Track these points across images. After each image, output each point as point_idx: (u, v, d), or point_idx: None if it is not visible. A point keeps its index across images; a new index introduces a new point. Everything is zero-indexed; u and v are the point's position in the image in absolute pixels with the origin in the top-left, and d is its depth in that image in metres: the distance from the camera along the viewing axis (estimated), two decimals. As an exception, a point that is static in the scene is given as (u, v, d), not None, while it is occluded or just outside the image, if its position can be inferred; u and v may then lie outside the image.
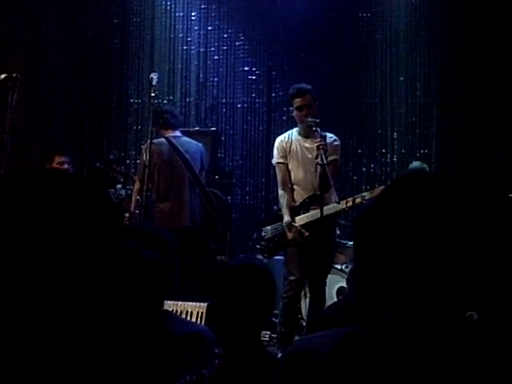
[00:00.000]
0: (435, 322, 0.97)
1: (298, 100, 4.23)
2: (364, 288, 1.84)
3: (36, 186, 0.90)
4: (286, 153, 4.34)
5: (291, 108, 4.35)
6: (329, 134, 4.30)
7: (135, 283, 1.80)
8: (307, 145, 4.29)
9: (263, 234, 4.45)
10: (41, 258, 0.86)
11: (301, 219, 4.26)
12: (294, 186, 4.35)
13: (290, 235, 4.23)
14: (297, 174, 4.33)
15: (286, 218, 4.25)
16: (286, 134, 4.44)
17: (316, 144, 3.99)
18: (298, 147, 4.32)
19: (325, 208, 3.97)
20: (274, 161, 4.43)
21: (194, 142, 4.90)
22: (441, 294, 0.98)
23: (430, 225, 0.98)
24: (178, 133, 4.85)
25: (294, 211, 4.29)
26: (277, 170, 4.41)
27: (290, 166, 4.34)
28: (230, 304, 1.70)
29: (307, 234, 4.17)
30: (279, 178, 4.39)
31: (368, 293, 1.75)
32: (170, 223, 4.51)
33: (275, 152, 4.42)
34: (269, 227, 4.44)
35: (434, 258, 0.97)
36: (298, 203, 4.31)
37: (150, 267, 1.82)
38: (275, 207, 4.68)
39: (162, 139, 4.73)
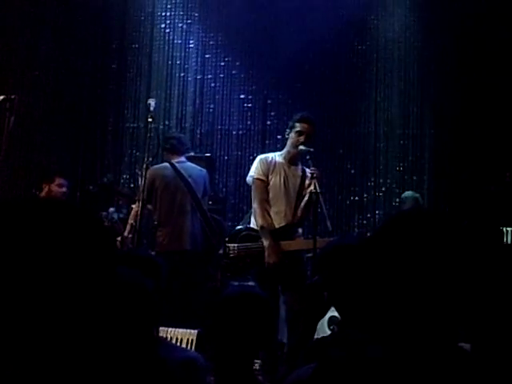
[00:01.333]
0: (411, 350, 1.03)
1: (301, 125, 4.11)
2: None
3: (29, 215, 0.91)
4: (268, 171, 4.17)
5: (288, 130, 4.19)
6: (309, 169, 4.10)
7: (128, 309, 1.80)
8: (291, 171, 4.20)
9: (229, 251, 4.12)
10: (33, 285, 0.87)
11: (288, 245, 4.03)
12: (267, 207, 4.13)
13: (272, 258, 3.96)
14: (276, 194, 4.14)
15: (269, 241, 3.99)
16: (269, 154, 4.31)
17: (310, 172, 3.95)
18: (282, 170, 4.19)
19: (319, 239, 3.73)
20: (252, 177, 4.20)
21: (198, 167, 4.94)
22: (424, 325, 1.04)
23: (425, 262, 1.04)
24: (182, 158, 4.89)
25: (273, 235, 4.04)
26: (254, 186, 4.19)
27: (269, 186, 4.16)
28: (226, 333, 1.69)
29: (286, 261, 3.97)
30: (257, 194, 4.16)
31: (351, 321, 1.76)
32: (171, 246, 4.55)
33: (256, 168, 4.20)
34: (237, 245, 4.11)
35: (424, 294, 1.04)
36: (276, 227, 4.08)
37: (145, 294, 1.82)
38: (240, 226, 4.44)
39: (166, 164, 4.79)
